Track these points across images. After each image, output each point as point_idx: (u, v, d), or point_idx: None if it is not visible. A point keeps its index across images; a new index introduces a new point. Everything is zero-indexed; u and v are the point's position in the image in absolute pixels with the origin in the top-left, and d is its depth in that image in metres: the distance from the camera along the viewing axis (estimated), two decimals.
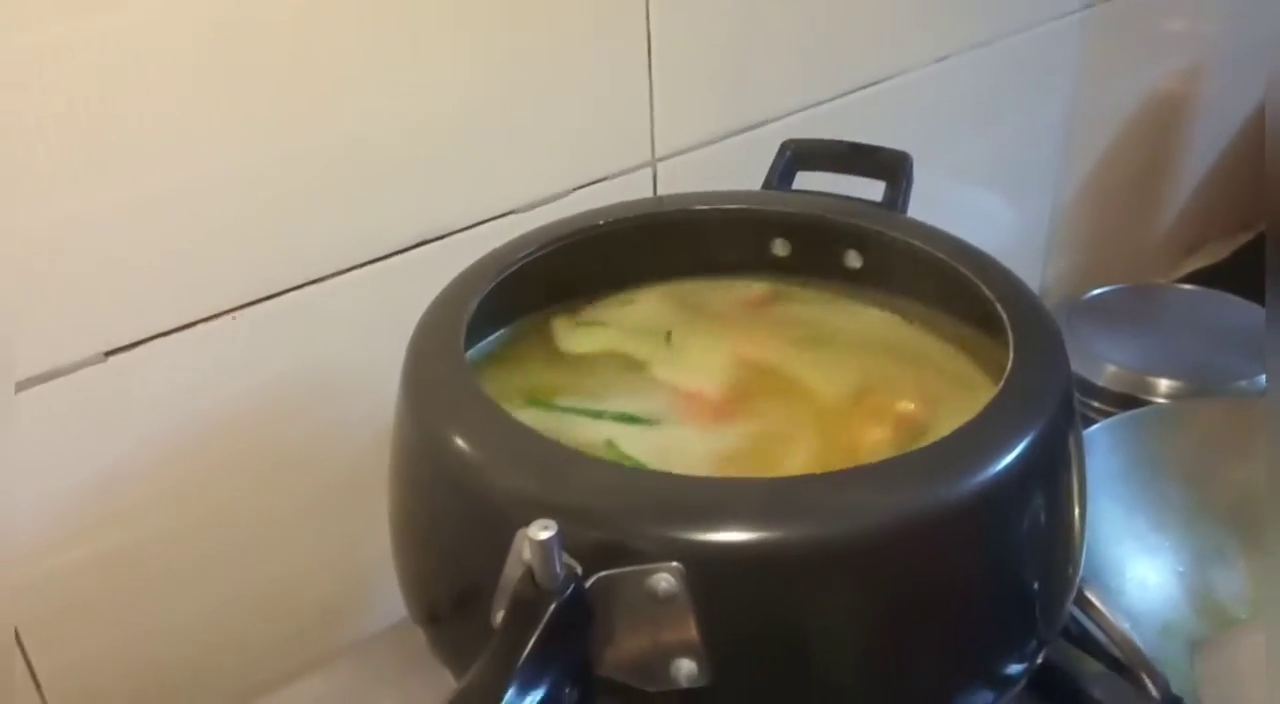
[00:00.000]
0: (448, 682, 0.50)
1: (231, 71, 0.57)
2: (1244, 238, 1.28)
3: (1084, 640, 0.60)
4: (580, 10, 0.67)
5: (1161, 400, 0.89)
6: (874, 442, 0.52)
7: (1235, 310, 0.99)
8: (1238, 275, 1.18)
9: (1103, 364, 0.92)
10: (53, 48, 0.51)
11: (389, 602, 0.70)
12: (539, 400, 0.55)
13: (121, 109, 0.54)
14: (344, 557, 0.70)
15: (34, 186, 0.53)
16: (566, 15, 0.67)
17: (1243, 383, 0.89)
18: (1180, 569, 0.74)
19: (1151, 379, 0.91)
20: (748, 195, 0.63)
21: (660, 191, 0.75)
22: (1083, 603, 0.57)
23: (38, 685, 0.61)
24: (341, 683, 0.65)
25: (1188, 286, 1.06)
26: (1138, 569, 0.74)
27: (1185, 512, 0.75)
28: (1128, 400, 0.88)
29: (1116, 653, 0.58)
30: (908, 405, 0.54)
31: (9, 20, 0.50)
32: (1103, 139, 1.07)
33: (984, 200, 0.98)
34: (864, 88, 0.83)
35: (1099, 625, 0.57)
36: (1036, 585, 0.46)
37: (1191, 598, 0.73)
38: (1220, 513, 0.75)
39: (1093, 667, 0.61)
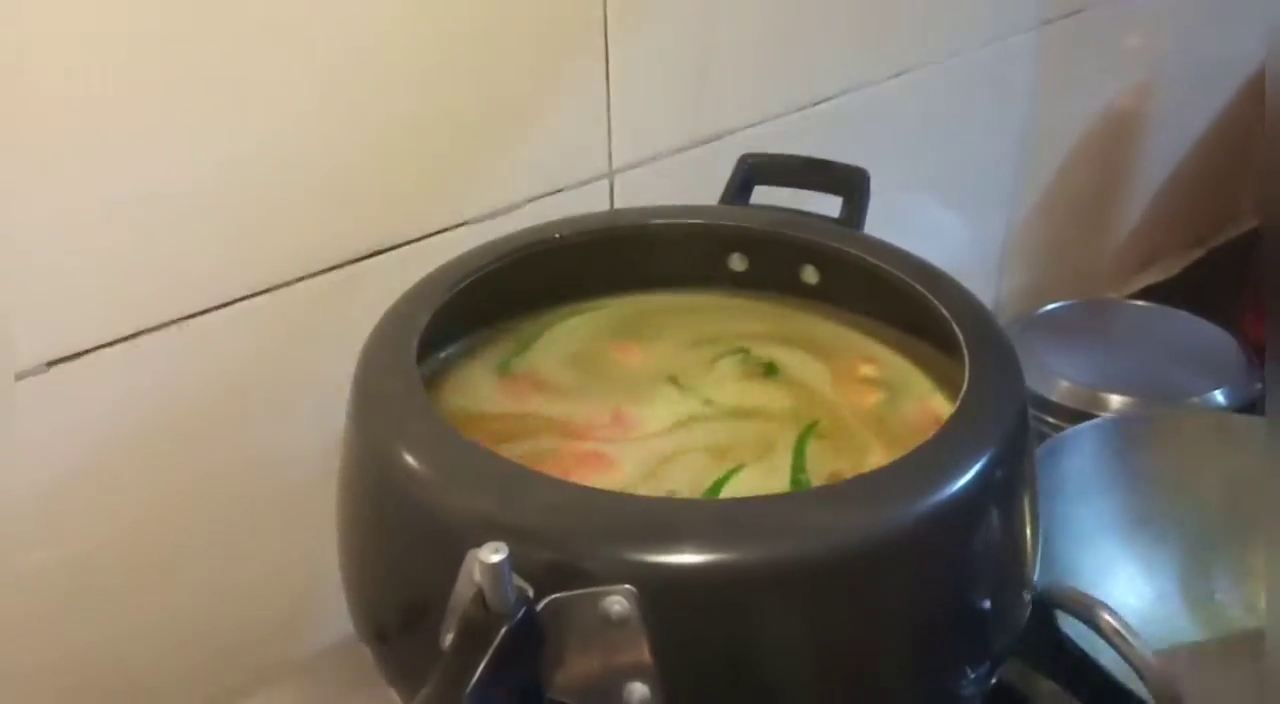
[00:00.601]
0: (394, 702, 0.49)
1: (174, 75, 0.55)
2: (1195, 253, 1.30)
3: (1039, 659, 0.60)
4: (538, 22, 0.67)
5: (1112, 416, 0.89)
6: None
7: (1187, 326, 1.00)
8: (1189, 291, 1.20)
9: (1056, 380, 0.92)
10: None
11: (339, 616, 0.70)
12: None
13: (57, 115, 0.53)
14: (293, 570, 0.69)
15: None
16: (524, 27, 0.66)
17: (1194, 399, 0.90)
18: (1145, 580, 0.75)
19: (1104, 395, 0.91)
20: (705, 210, 0.63)
21: (617, 204, 0.75)
22: (1103, 628, 0.57)
23: None
24: (289, 701, 0.64)
25: (1140, 302, 1.07)
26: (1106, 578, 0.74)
27: (1156, 519, 0.76)
28: (1080, 416, 0.89)
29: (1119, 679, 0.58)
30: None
31: None
32: (1058, 154, 1.08)
33: (940, 216, 0.98)
34: (822, 102, 0.83)
35: (1124, 654, 0.56)
36: (991, 604, 0.46)
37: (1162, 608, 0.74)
38: (1192, 521, 0.76)
39: (1043, 686, 0.61)
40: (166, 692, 0.66)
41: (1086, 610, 0.57)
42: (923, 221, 0.95)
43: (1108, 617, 0.56)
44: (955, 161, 0.97)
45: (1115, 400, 0.91)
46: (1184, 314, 1.01)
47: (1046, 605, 0.58)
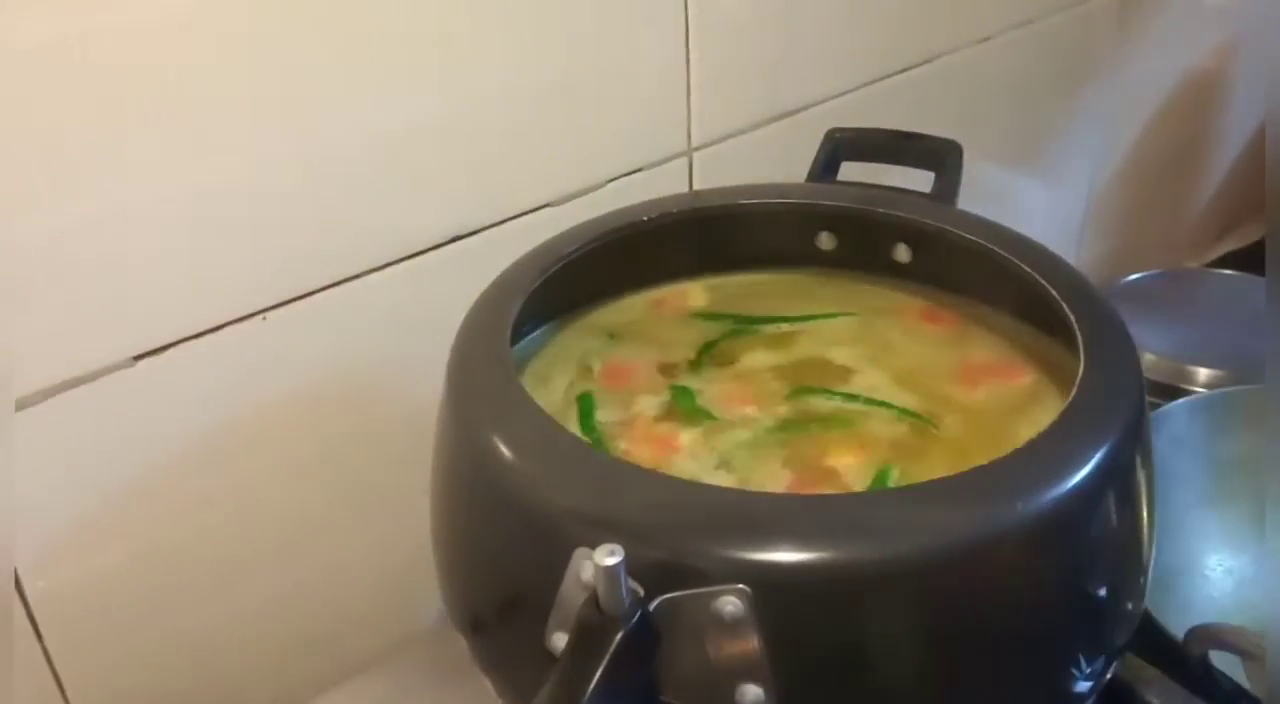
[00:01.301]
0: (485, 691, 0.48)
1: (257, 68, 0.55)
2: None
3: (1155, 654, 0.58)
4: None
5: (1200, 389, 0.87)
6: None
7: None
8: None
9: (1142, 352, 0.89)
10: (70, 45, 0.49)
11: (422, 606, 0.70)
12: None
13: (146, 109, 0.52)
14: (375, 560, 0.68)
15: (58, 189, 0.51)
16: (603, 2, 0.65)
17: None
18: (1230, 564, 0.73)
19: (1191, 368, 0.89)
20: (793, 188, 0.61)
21: (696, 182, 0.73)
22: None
23: (61, 690, 0.59)
24: (375, 690, 0.64)
25: (1224, 271, 1.04)
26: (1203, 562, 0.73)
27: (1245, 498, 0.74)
28: (1167, 389, 0.87)
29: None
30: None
31: (33, 16, 0.48)
32: (1139, 119, 1.05)
33: (1021, 184, 0.96)
34: (904, 71, 0.81)
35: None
36: (1109, 598, 0.45)
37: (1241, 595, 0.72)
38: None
39: (1149, 673, 0.60)
40: (252, 682, 0.66)
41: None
42: (1004, 191, 0.93)
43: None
44: (1038, 129, 0.95)
45: (1203, 373, 0.88)
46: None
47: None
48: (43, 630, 0.58)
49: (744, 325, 0.59)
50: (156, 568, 0.60)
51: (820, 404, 0.53)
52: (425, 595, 0.70)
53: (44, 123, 0.50)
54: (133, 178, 0.53)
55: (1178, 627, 0.58)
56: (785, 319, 0.59)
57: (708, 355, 0.57)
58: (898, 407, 0.52)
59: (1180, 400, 0.78)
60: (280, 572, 0.65)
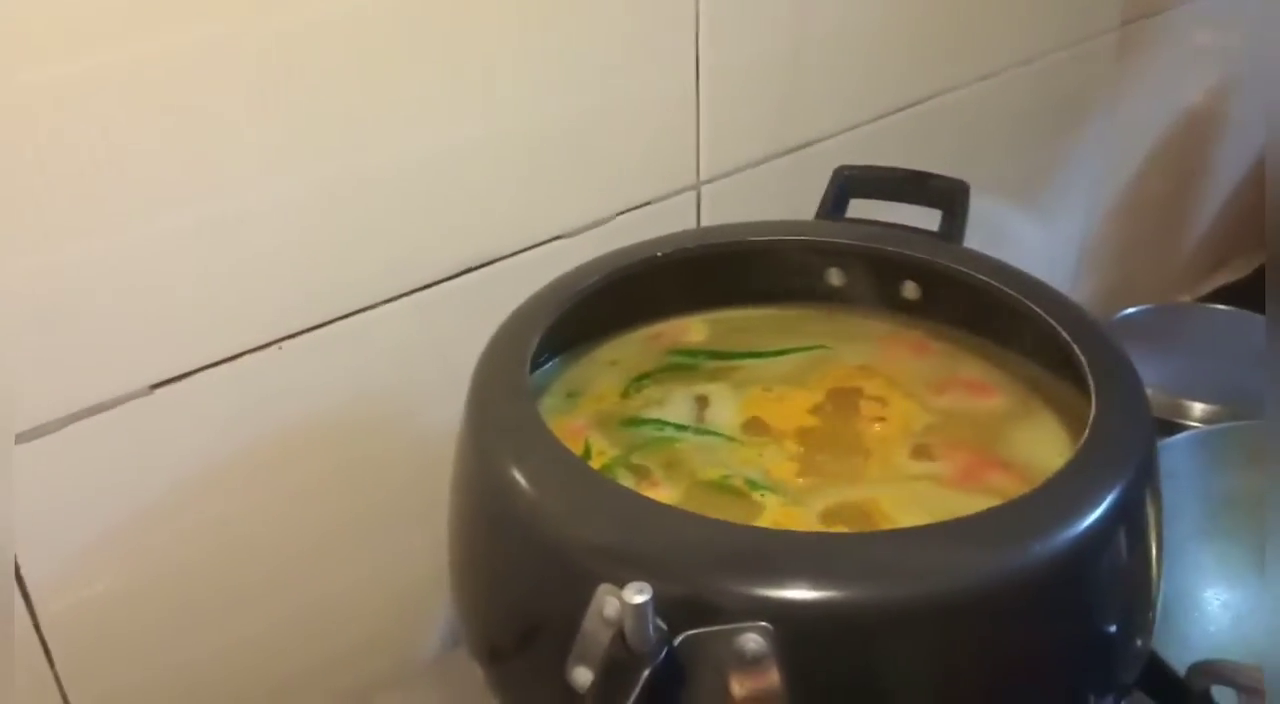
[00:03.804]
0: None
1: (274, 103, 0.55)
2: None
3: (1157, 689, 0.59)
4: (628, 31, 0.66)
5: (1195, 424, 0.88)
6: None
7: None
8: (1263, 292, 1.17)
9: None
10: (95, 76, 0.50)
11: (432, 630, 0.70)
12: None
13: (163, 141, 0.53)
14: (385, 584, 0.69)
15: (78, 219, 0.52)
16: (614, 37, 0.66)
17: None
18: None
19: (1186, 402, 0.90)
20: (802, 225, 0.62)
21: (704, 215, 0.74)
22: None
23: None
24: None
25: (1218, 306, 1.06)
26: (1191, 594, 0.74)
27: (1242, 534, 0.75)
28: (1163, 424, 0.87)
29: None
30: None
31: (70, 45, 0.49)
32: (1135, 156, 1.07)
33: (1018, 219, 0.97)
34: (907, 107, 0.82)
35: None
36: (1120, 635, 0.46)
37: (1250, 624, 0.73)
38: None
39: None
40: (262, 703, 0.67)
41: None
42: (1001, 225, 0.94)
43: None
44: (1036, 164, 0.96)
45: (1198, 408, 0.89)
46: (1261, 317, 0.99)
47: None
48: (54, 653, 0.58)
49: (688, 359, 0.59)
50: (168, 592, 0.61)
51: (648, 434, 0.54)
52: (435, 620, 0.71)
53: (67, 157, 0.50)
54: (153, 211, 0.53)
55: (1176, 661, 0.59)
56: (756, 355, 0.59)
57: (635, 390, 0.57)
58: (724, 435, 0.53)
59: (1176, 436, 0.78)
60: (291, 595, 0.65)
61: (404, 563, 0.68)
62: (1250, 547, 0.74)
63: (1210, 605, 0.75)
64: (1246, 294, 1.17)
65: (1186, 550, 0.75)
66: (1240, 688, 0.56)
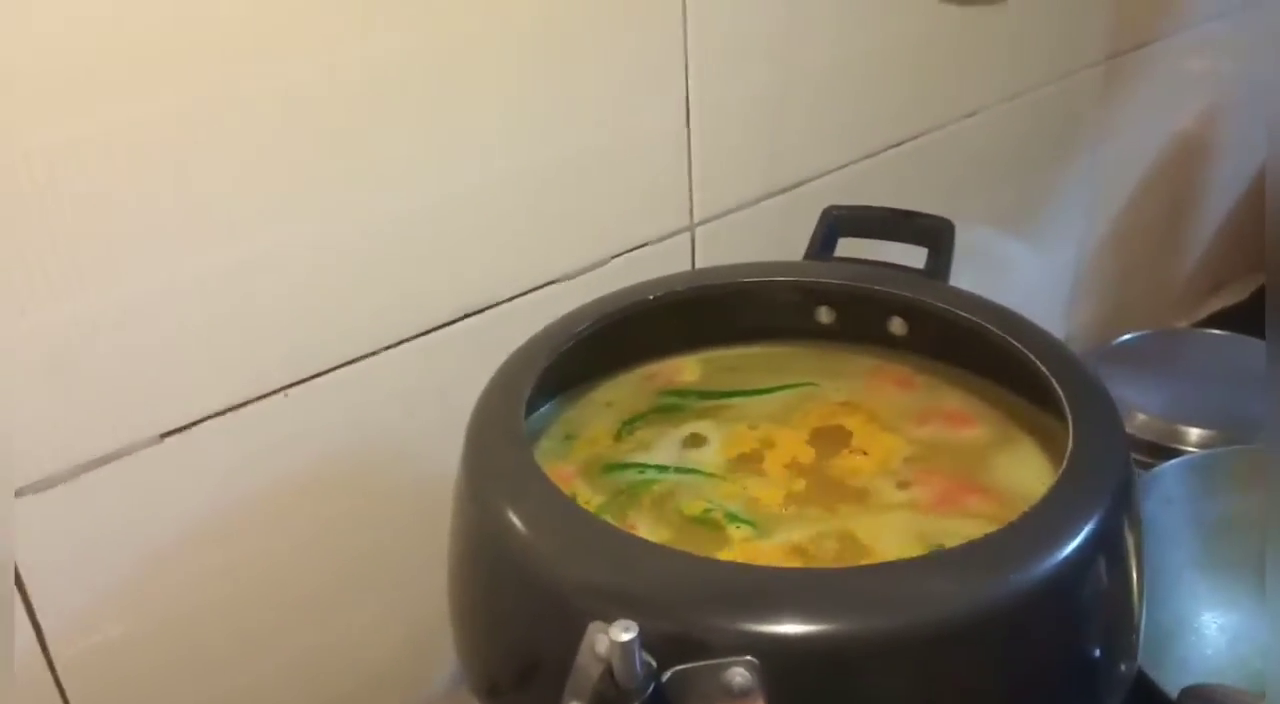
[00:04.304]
0: None
1: (276, 153, 0.57)
2: (1263, 278, 1.29)
3: None
4: (619, 75, 0.68)
5: (1191, 449, 0.89)
6: None
7: (1260, 354, 0.98)
8: (1259, 316, 1.18)
9: (1133, 413, 0.92)
10: (97, 135, 0.52)
11: (435, 670, 0.71)
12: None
13: (167, 194, 0.54)
14: (388, 626, 0.70)
15: (83, 272, 0.53)
16: (605, 81, 0.67)
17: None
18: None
19: (1181, 428, 0.90)
20: (792, 266, 0.64)
21: (698, 256, 0.75)
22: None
23: None
24: None
25: (1213, 331, 1.07)
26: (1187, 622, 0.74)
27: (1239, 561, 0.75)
28: (1158, 449, 0.88)
29: None
30: None
31: (73, 106, 0.51)
32: (1127, 184, 1.08)
33: (1012, 251, 0.98)
34: (897, 145, 0.84)
35: None
36: (1103, 660, 0.47)
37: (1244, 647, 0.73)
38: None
39: None
40: None
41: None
42: (996, 257, 0.96)
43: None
44: (1027, 197, 0.97)
45: (1194, 433, 0.90)
46: (1256, 341, 1.00)
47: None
48: (70, 697, 0.59)
49: (678, 400, 0.61)
50: (180, 636, 0.62)
51: (631, 477, 0.55)
52: (438, 660, 0.72)
53: (71, 213, 0.52)
54: (159, 264, 0.55)
55: (1174, 685, 0.60)
56: (744, 393, 0.61)
57: (626, 432, 0.59)
58: (706, 472, 0.55)
59: (1171, 461, 0.79)
60: (300, 638, 0.67)
61: (411, 604, 0.69)
62: (1247, 571, 0.75)
63: (1207, 629, 0.76)
64: (1241, 318, 1.18)
65: (1183, 575, 0.76)
66: None
